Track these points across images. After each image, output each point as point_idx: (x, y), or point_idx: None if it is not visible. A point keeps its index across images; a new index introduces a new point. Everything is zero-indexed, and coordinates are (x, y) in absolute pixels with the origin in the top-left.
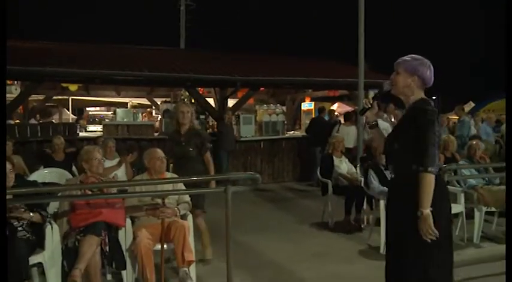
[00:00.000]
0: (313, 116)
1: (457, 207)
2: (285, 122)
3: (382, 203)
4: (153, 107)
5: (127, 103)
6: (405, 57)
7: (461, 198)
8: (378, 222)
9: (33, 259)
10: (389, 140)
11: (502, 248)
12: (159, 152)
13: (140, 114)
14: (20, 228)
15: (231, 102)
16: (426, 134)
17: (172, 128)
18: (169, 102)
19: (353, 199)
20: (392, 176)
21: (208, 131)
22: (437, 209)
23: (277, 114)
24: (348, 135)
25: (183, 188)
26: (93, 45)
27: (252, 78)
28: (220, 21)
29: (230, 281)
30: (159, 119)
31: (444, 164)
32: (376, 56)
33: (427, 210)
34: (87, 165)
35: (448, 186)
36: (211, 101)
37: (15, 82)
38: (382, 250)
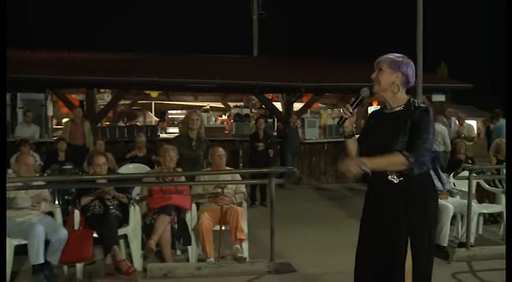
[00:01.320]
0: None
1: (497, 207)
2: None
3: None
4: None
5: (204, 106)
6: (387, 55)
7: (502, 198)
8: None
9: (121, 231)
10: (382, 137)
11: None
12: (220, 150)
13: (213, 117)
14: (111, 207)
15: (297, 106)
16: (427, 135)
17: (182, 132)
18: (239, 107)
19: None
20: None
21: (274, 133)
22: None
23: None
24: None
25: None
26: (172, 55)
27: (315, 84)
28: (291, 28)
29: (272, 257)
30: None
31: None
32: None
33: (366, 168)
34: (162, 160)
35: (489, 187)
36: (279, 104)
37: (107, 90)
38: None
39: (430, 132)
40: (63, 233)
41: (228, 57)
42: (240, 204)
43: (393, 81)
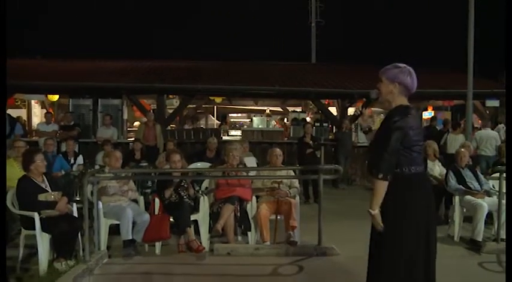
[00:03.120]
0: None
1: None
2: None
3: (457, 198)
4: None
5: (264, 110)
6: (387, 66)
7: None
8: (465, 218)
9: (192, 217)
10: (370, 143)
11: None
12: (278, 151)
13: (273, 121)
14: (185, 197)
15: (353, 111)
16: (386, 141)
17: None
18: (297, 111)
19: (441, 197)
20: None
21: (330, 137)
22: (404, 211)
23: None
24: (455, 142)
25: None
26: (234, 63)
27: (367, 90)
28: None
29: (319, 241)
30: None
31: None
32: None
33: (376, 211)
34: (227, 158)
35: None
36: (334, 109)
37: (175, 96)
38: (456, 238)
39: (389, 138)
40: (146, 216)
41: (287, 64)
42: (293, 197)
43: (391, 91)
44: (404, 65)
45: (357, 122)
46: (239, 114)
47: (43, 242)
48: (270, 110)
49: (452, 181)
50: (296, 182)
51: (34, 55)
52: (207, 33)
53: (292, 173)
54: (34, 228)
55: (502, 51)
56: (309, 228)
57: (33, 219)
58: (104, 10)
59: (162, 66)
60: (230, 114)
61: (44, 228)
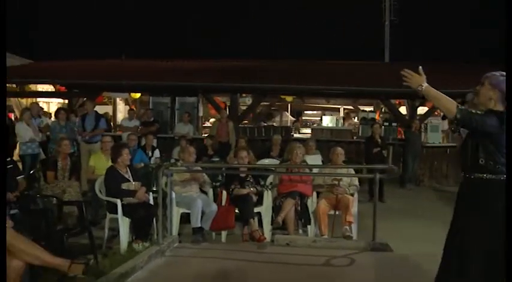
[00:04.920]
0: None
1: None
2: None
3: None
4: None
5: (339, 108)
6: (494, 72)
7: None
8: None
9: (256, 209)
10: (463, 146)
11: None
12: (339, 150)
13: (342, 120)
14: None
15: (424, 110)
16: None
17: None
18: (366, 111)
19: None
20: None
21: (399, 136)
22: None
23: None
24: None
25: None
26: (306, 62)
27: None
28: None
29: (374, 237)
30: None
31: None
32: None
33: (423, 85)
34: (290, 155)
35: None
36: (404, 109)
37: (248, 95)
38: None
39: (484, 123)
40: (214, 207)
41: (359, 64)
42: (352, 195)
43: (490, 97)
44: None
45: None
46: (314, 112)
47: (124, 225)
48: (344, 108)
49: None
50: (356, 180)
51: (119, 55)
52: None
53: (353, 171)
54: (117, 213)
55: None
56: (369, 225)
57: (116, 205)
58: (172, 11)
59: (233, 65)
60: (305, 112)
61: (125, 213)
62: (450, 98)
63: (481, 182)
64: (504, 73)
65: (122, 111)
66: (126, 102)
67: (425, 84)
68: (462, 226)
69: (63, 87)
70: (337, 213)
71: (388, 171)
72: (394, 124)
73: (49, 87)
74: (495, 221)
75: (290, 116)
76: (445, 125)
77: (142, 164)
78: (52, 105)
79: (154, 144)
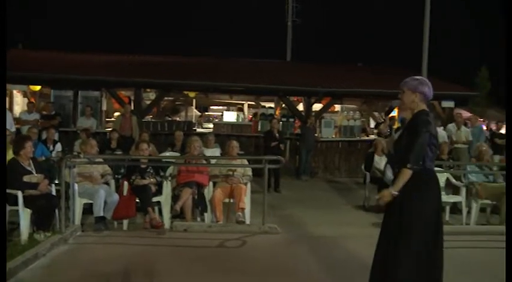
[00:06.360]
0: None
1: (457, 198)
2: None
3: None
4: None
5: (243, 104)
6: (406, 79)
7: (463, 191)
8: None
9: (156, 198)
10: (396, 142)
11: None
12: (234, 143)
13: (242, 116)
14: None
15: (319, 107)
16: (419, 133)
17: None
18: (265, 107)
19: (383, 188)
20: (396, 171)
21: (297, 132)
22: (423, 199)
23: (355, 120)
24: None
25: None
26: (210, 58)
27: (332, 89)
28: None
29: (263, 222)
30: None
31: None
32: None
33: (395, 192)
34: (189, 148)
35: (454, 181)
36: (302, 106)
37: (152, 90)
38: None
39: (420, 131)
40: (116, 197)
41: (261, 62)
42: (245, 184)
43: (413, 100)
44: (421, 77)
45: (379, 127)
46: (220, 107)
47: (25, 216)
48: (248, 104)
49: (389, 173)
50: (249, 171)
51: (15, 44)
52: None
53: (246, 162)
54: (17, 205)
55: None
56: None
57: (16, 197)
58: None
59: (139, 60)
60: (212, 107)
61: (26, 204)
62: (402, 177)
63: (416, 172)
64: (417, 77)
65: (19, 103)
66: (25, 95)
67: (393, 190)
68: (401, 207)
69: None
70: (231, 201)
71: (276, 162)
72: (291, 119)
73: None
74: (430, 202)
75: (196, 111)
76: (338, 121)
77: (44, 158)
78: None
79: (56, 138)
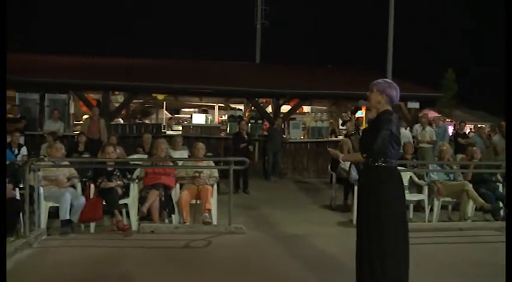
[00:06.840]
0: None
1: (420, 196)
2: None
3: (355, 188)
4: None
5: (209, 107)
6: (378, 80)
7: (425, 189)
8: None
9: (123, 201)
10: (360, 140)
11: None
12: (200, 144)
13: (210, 117)
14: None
15: (287, 109)
16: (380, 130)
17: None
18: (234, 109)
19: (349, 188)
20: (361, 167)
21: (265, 133)
22: (392, 195)
23: (322, 121)
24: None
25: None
26: (179, 61)
27: (298, 91)
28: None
29: (230, 222)
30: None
31: None
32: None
33: (341, 158)
34: (155, 151)
35: (417, 180)
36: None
37: (120, 92)
38: (355, 222)
39: (383, 128)
40: (82, 200)
41: (231, 64)
42: (212, 185)
43: (379, 100)
44: (391, 81)
45: (345, 125)
46: (191, 109)
47: None
48: (219, 106)
49: (354, 173)
50: (215, 172)
51: None
52: (154, 32)
53: (213, 164)
54: None
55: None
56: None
57: None
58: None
59: (107, 62)
60: (183, 109)
61: None
62: (355, 156)
63: (379, 168)
64: (388, 80)
65: None
66: None
67: (341, 157)
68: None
69: None
70: (198, 202)
71: (242, 163)
72: (260, 121)
73: None
74: (395, 196)
75: (167, 113)
76: (307, 123)
77: (7, 162)
78: None
79: (22, 142)
